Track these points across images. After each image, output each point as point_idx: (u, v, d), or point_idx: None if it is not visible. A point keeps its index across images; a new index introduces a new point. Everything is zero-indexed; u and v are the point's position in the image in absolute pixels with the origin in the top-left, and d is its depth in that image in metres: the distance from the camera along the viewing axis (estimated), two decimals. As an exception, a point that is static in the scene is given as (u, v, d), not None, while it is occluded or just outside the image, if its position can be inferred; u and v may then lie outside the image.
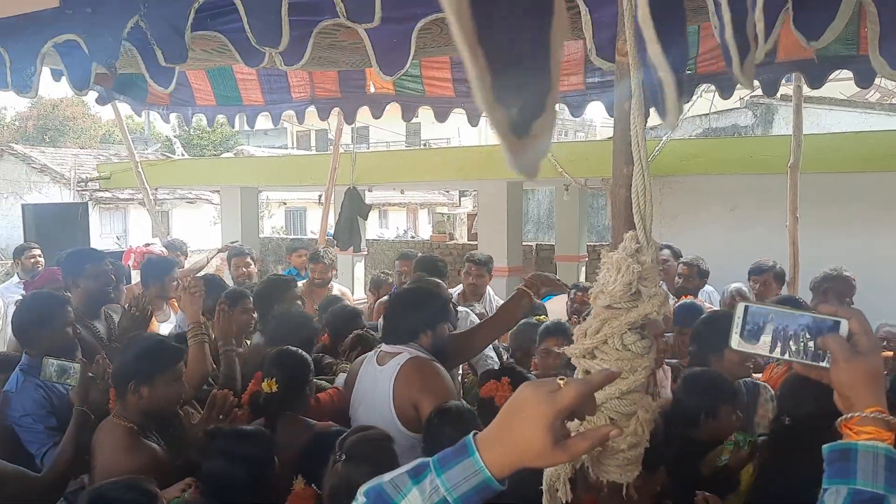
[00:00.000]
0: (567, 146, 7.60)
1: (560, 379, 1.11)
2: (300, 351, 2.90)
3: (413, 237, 20.91)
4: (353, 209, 8.26)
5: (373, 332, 3.74)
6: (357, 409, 2.84)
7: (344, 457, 2.03)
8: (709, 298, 5.00)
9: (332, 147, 7.84)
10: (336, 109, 5.16)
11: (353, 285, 9.71)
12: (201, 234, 19.35)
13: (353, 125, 5.78)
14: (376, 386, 2.76)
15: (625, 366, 1.85)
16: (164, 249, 6.12)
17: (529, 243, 11.16)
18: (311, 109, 5.06)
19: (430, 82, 4.63)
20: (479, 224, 9.80)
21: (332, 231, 8.19)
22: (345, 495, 1.97)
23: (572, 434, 1.06)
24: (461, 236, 14.31)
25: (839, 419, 1.18)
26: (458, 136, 26.07)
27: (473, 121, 4.90)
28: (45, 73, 3.75)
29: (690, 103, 5.05)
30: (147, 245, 6.67)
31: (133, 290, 4.72)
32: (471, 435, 1.04)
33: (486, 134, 27.74)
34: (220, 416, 2.59)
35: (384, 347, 2.87)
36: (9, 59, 1.96)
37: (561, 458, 1.03)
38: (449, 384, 2.77)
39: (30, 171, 22.11)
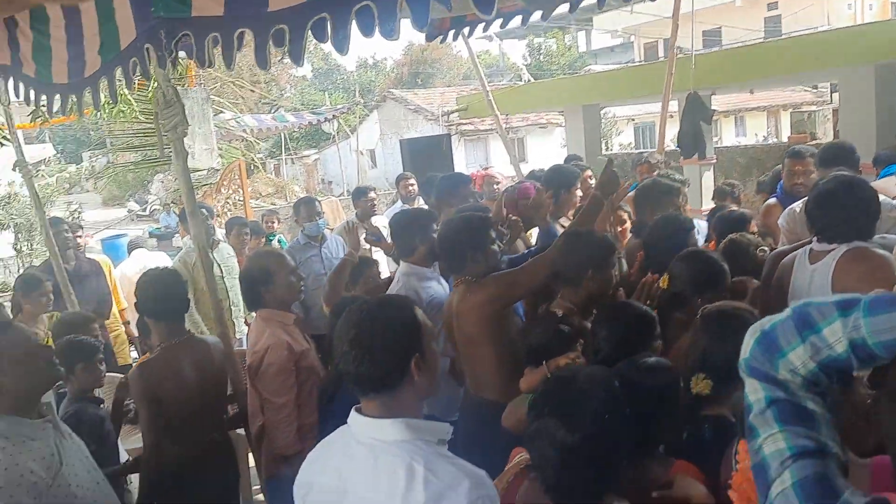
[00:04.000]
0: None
1: None
2: (708, 253, 2.92)
3: (772, 142, 19.18)
4: (695, 115, 8.00)
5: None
6: None
7: None
8: None
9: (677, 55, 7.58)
10: None
11: (700, 196, 9.42)
12: (553, 158, 20.24)
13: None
14: (812, 285, 2.71)
15: None
16: (497, 174, 6.63)
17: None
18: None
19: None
20: (840, 119, 8.73)
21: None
22: None
23: None
24: (825, 135, 12.78)
25: None
26: (827, 24, 22.84)
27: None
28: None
29: None
30: (485, 169, 7.33)
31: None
32: None
33: (863, 15, 23.85)
34: (648, 301, 2.84)
35: (814, 246, 2.79)
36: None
37: None
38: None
39: (406, 112, 25.19)
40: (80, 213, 14.50)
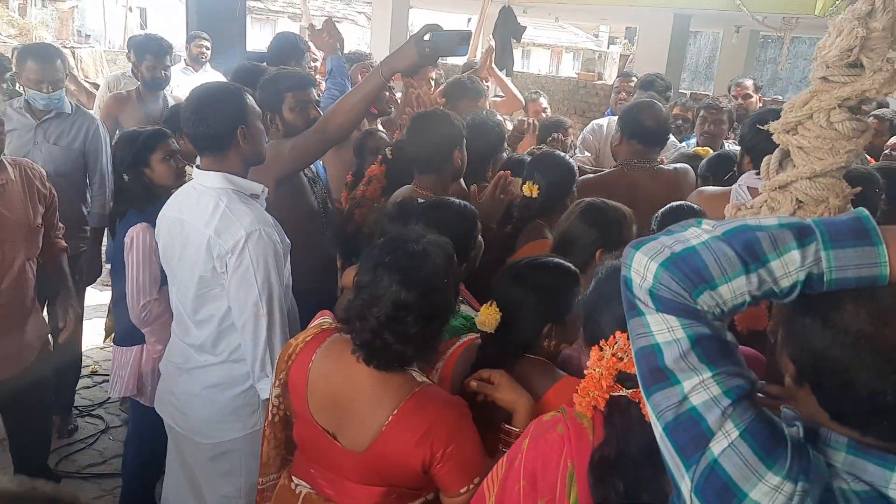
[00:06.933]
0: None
1: None
2: (564, 156, 2.92)
3: (562, 76, 20.26)
4: (508, 29, 7.97)
5: None
6: None
7: None
8: None
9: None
10: None
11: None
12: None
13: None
14: None
15: (824, 145, 1.71)
16: None
17: (684, 91, 10.52)
18: None
19: None
20: (634, 62, 9.25)
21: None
22: None
23: None
24: (610, 77, 13.66)
25: None
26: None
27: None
28: None
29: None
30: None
31: None
32: (870, 217, 0.92)
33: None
34: (502, 196, 2.72)
35: (751, 183, 2.74)
36: None
37: None
38: None
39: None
40: None
